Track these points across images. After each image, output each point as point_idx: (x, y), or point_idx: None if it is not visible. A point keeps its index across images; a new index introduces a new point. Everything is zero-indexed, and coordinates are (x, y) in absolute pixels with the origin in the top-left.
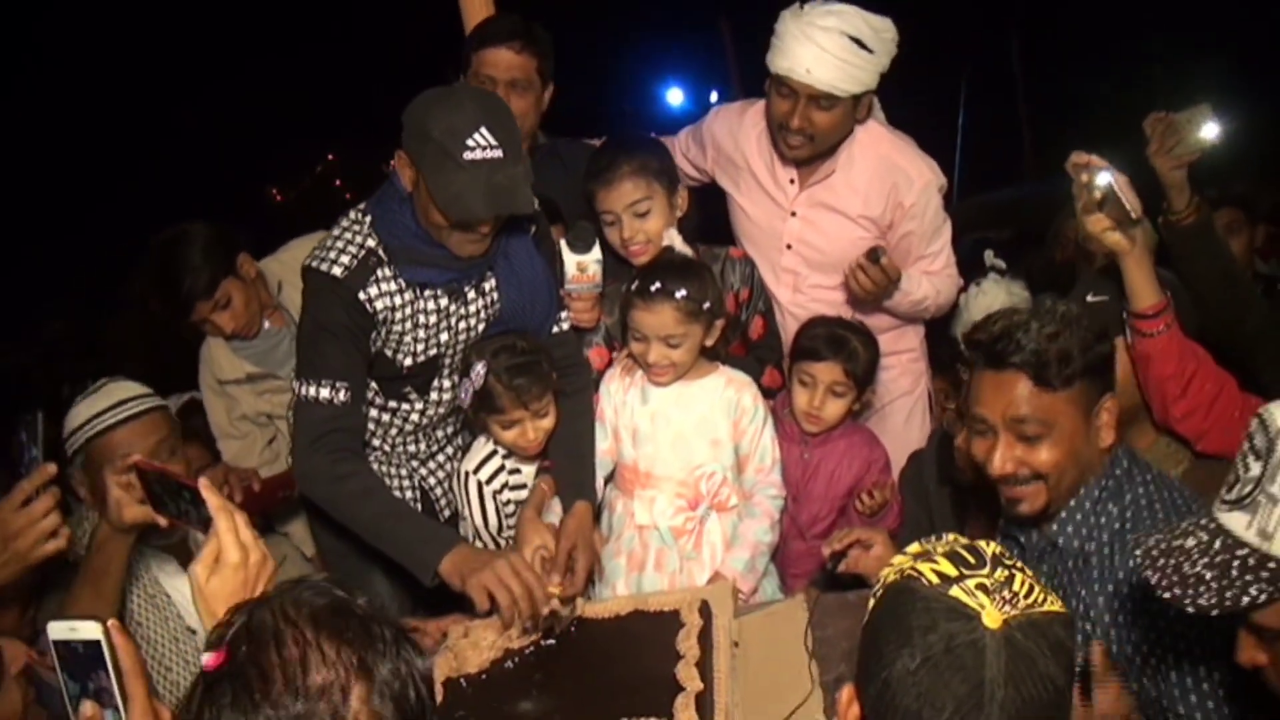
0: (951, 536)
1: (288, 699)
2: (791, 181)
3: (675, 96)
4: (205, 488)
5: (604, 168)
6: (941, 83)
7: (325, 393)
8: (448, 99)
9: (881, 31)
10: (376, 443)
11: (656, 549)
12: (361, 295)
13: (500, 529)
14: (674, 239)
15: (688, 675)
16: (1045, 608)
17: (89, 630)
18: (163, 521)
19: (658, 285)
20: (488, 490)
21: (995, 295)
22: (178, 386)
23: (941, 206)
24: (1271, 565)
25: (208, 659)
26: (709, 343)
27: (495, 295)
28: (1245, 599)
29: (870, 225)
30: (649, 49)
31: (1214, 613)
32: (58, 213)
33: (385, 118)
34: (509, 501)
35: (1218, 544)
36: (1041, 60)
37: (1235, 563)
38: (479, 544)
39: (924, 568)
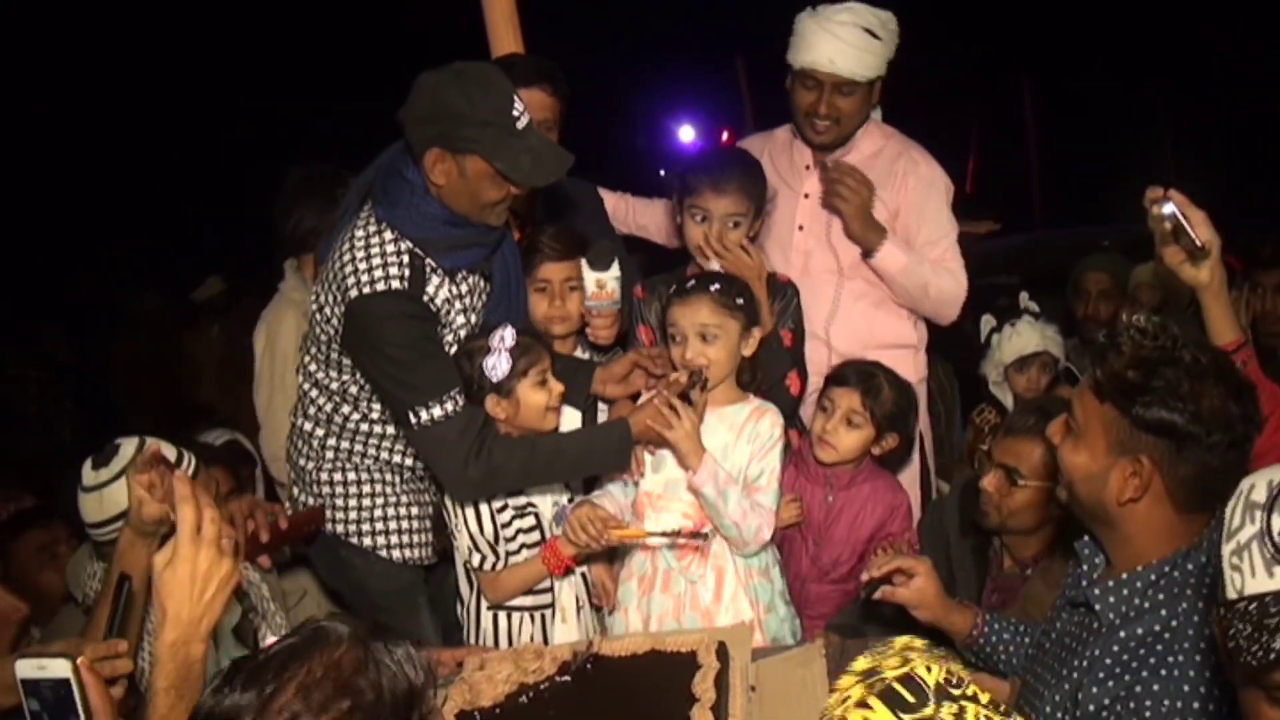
0: (894, 659)
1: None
2: (808, 167)
3: (687, 133)
4: (177, 477)
5: (720, 174)
6: (952, 127)
7: (449, 407)
8: (469, 80)
9: (886, 23)
10: (410, 462)
11: (663, 571)
12: (425, 298)
13: (498, 537)
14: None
15: (702, 719)
16: None
17: (58, 669)
18: (174, 516)
19: (693, 282)
20: None
21: (1029, 337)
22: (181, 404)
23: (947, 205)
24: None
25: (269, 639)
26: (746, 352)
27: (488, 278)
28: None
29: (879, 206)
30: (661, 85)
31: None
32: (54, 225)
33: (394, 137)
34: (504, 507)
35: None
36: (1052, 105)
37: None
38: (476, 556)
39: (856, 717)
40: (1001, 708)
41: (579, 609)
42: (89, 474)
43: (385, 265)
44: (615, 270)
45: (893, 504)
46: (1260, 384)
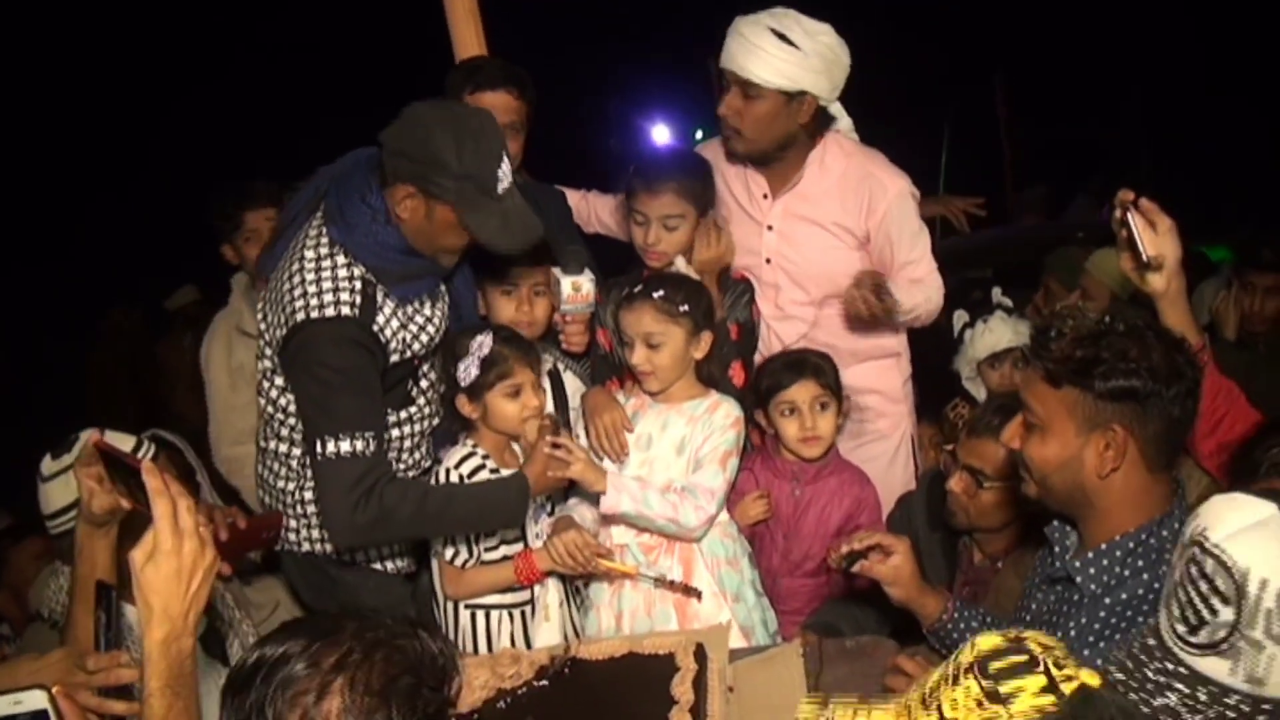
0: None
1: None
2: (765, 196)
3: (661, 133)
4: (147, 471)
5: (653, 174)
6: (925, 125)
7: (359, 445)
8: (464, 131)
9: (816, 34)
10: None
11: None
12: (374, 327)
13: (477, 534)
14: (679, 263)
15: None
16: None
17: (34, 700)
18: (125, 504)
19: (640, 287)
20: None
21: (1001, 332)
22: (155, 412)
23: (917, 213)
24: (1266, 707)
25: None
26: (697, 355)
27: (447, 294)
28: None
29: (846, 234)
30: (635, 85)
31: None
32: (31, 239)
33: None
34: None
35: (1203, 695)
36: (1024, 103)
37: (1230, 713)
38: (450, 550)
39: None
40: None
41: (561, 604)
42: (47, 464)
43: (336, 290)
44: (589, 274)
45: (859, 496)
46: (1217, 384)
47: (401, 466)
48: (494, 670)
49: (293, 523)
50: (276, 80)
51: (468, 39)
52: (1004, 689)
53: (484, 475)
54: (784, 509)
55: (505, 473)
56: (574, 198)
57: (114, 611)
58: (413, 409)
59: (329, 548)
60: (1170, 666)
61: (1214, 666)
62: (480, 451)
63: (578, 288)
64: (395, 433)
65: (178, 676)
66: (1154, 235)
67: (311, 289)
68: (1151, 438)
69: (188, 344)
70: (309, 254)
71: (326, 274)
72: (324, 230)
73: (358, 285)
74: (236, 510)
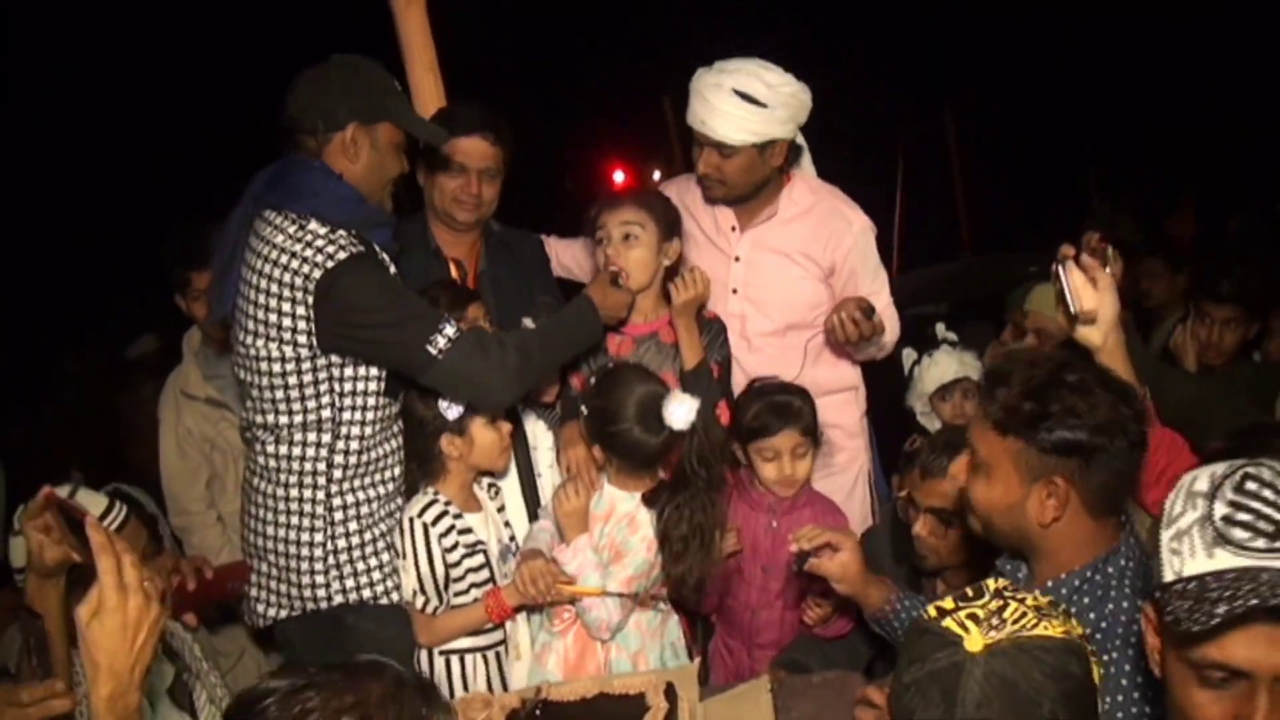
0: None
1: None
2: (733, 229)
3: (619, 175)
4: (90, 526)
5: (616, 193)
6: (877, 158)
7: (450, 327)
8: (359, 63)
9: (778, 86)
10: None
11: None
12: (378, 256)
13: (447, 580)
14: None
15: None
16: (1036, 632)
17: None
18: (76, 557)
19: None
20: (434, 533)
21: (946, 365)
22: (114, 464)
23: (875, 249)
24: None
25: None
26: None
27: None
28: None
29: (811, 265)
30: (592, 128)
31: None
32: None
33: None
34: (455, 546)
35: None
36: (975, 134)
37: None
38: (421, 598)
39: (931, 606)
40: (1050, 603)
41: (533, 641)
42: (19, 520)
43: (328, 243)
44: None
45: (834, 527)
46: (1159, 436)
47: (394, 479)
48: (465, 715)
49: (320, 579)
50: (251, 131)
51: (428, 93)
52: None
53: (448, 522)
54: (762, 542)
55: (470, 518)
56: None
57: (41, 643)
58: (399, 424)
59: (366, 594)
60: (1261, 579)
61: None
62: (442, 498)
63: None
64: (392, 444)
65: None
66: (1092, 290)
67: (308, 252)
68: (1095, 488)
69: (147, 394)
70: (280, 238)
71: (310, 236)
72: (280, 218)
73: (348, 235)
74: (203, 560)
